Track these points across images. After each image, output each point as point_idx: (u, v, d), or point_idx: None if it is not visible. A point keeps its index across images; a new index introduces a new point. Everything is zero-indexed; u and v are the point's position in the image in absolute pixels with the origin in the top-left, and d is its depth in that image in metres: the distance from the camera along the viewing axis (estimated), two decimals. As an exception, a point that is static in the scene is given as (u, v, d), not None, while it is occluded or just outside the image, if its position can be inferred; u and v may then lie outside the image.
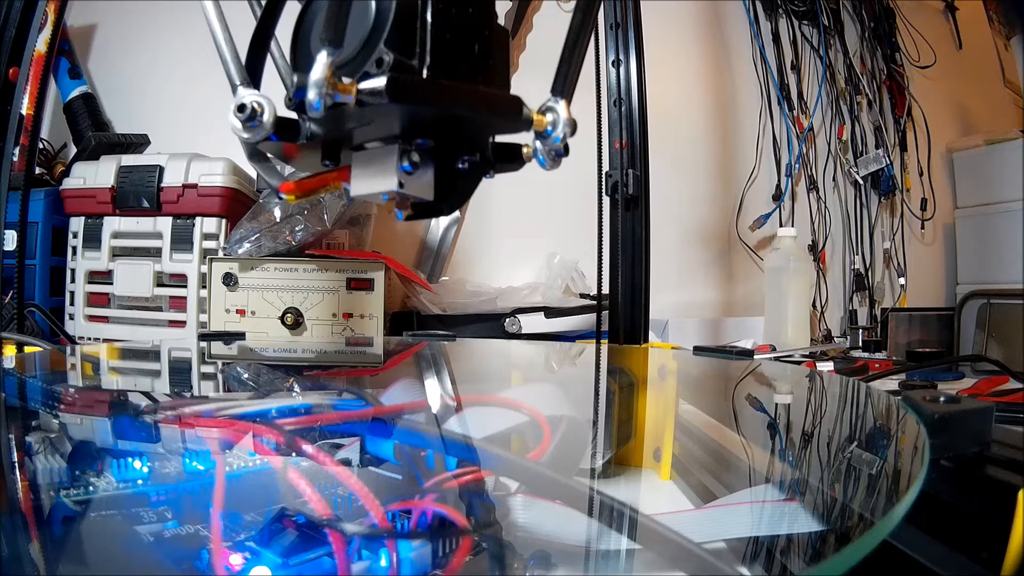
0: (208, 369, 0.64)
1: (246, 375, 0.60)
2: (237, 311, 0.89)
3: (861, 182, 1.57)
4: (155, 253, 0.95)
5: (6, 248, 0.71)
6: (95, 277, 0.97)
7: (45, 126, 1.14)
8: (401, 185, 0.29)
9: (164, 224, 0.94)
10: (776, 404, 0.48)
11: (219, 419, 0.38)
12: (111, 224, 0.96)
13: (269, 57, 0.32)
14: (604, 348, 0.80)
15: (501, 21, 0.31)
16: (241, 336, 0.75)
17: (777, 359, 0.98)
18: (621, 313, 0.80)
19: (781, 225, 1.43)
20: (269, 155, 0.33)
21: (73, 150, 1.13)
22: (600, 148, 0.81)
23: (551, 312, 1.06)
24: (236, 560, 0.21)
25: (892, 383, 0.72)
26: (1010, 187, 1.35)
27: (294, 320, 0.88)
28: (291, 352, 0.78)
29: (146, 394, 0.48)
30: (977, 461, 0.27)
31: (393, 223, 1.22)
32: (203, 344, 0.73)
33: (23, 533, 0.22)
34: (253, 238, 0.90)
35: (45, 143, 1.14)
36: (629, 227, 0.81)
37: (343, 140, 0.31)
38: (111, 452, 0.32)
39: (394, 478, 0.31)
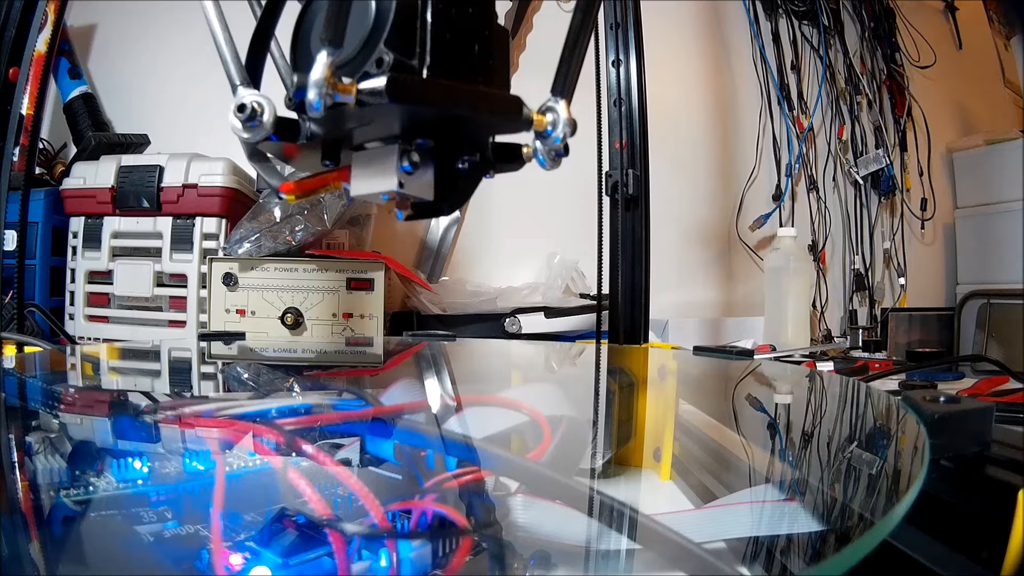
0: (208, 369, 0.64)
1: (246, 375, 0.60)
2: (237, 311, 0.89)
3: (861, 182, 1.57)
4: (155, 253, 0.95)
5: (6, 248, 0.71)
6: (95, 277, 0.97)
7: (45, 126, 1.14)
8: (401, 185, 0.29)
9: (164, 224, 0.94)
10: (776, 404, 0.48)
11: (219, 419, 0.38)
12: (111, 224, 0.96)
13: (269, 57, 0.32)
14: (604, 348, 0.80)
15: (501, 21, 0.31)
16: (241, 336, 0.75)
17: (777, 359, 0.98)
18: (621, 313, 0.80)
19: (781, 225, 1.43)
20: (269, 155, 0.33)
21: (73, 150, 1.13)
22: (600, 148, 0.81)
23: (551, 312, 1.06)
24: (236, 560, 0.21)
25: (892, 383, 0.72)
26: (1010, 187, 1.35)
27: (294, 320, 0.88)
28: (291, 352, 0.78)
29: (146, 394, 0.48)
30: (977, 461, 0.27)
31: (393, 223, 1.22)
32: (203, 344, 0.73)
33: (23, 533, 0.22)
34: (253, 238, 0.90)
35: (45, 143, 1.14)
36: (629, 227, 0.81)
37: (343, 140, 0.31)
38: (111, 452, 0.32)
39: (394, 478, 0.31)
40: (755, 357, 0.59)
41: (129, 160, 0.97)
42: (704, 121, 1.49)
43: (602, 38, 0.83)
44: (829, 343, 1.35)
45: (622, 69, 0.82)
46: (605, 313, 0.83)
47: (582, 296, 1.18)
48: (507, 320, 1.04)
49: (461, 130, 0.31)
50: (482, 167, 0.32)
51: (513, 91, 0.30)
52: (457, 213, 1.27)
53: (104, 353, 0.71)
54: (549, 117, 0.30)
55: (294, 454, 0.31)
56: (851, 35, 1.59)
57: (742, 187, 1.48)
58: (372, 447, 0.33)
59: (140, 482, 0.27)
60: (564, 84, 0.30)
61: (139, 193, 0.94)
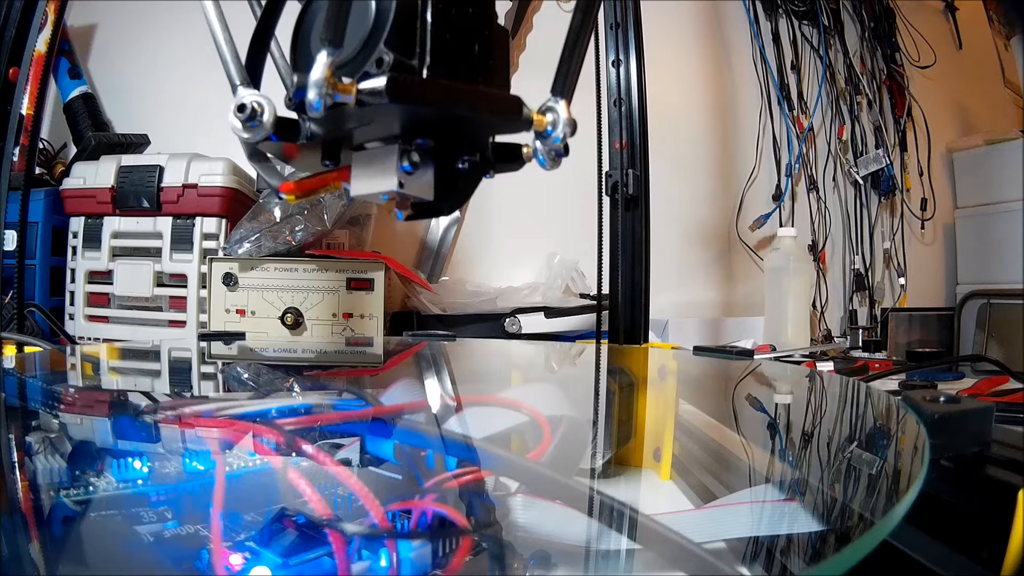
0: (208, 369, 0.64)
1: (246, 375, 0.60)
2: (237, 311, 0.89)
3: (861, 182, 1.57)
4: (155, 253, 0.95)
5: (6, 248, 0.71)
6: (95, 277, 0.97)
7: (45, 126, 1.14)
8: (401, 185, 0.29)
9: (164, 224, 0.94)
10: (776, 404, 0.48)
11: (219, 419, 0.38)
12: (111, 224, 0.96)
13: (269, 57, 0.32)
14: (604, 348, 0.80)
15: (501, 21, 0.31)
16: (241, 336, 0.75)
17: (777, 359, 0.98)
18: (621, 313, 0.80)
19: (781, 225, 1.43)
20: (269, 155, 0.33)
21: (73, 150, 1.13)
22: (600, 148, 0.81)
23: (551, 312, 1.06)
24: (236, 560, 0.21)
25: (892, 383, 0.72)
26: (1010, 187, 1.35)
27: (294, 320, 0.88)
28: (291, 352, 0.78)
29: (146, 394, 0.48)
30: (977, 461, 0.27)
31: (393, 223, 1.22)
32: (203, 344, 0.73)
33: (23, 533, 0.22)
34: (253, 238, 0.90)
35: (45, 143, 1.14)
36: (629, 227, 0.81)
37: (343, 140, 0.31)
38: (111, 452, 0.32)
39: (394, 478, 0.31)
40: (755, 357, 0.59)
41: (129, 160, 0.97)
42: (704, 121, 1.49)
43: (602, 38, 0.83)
44: (829, 343, 1.35)
45: (622, 69, 0.82)
46: (605, 313, 0.83)
47: (582, 296, 1.18)
48: (507, 320, 1.04)
49: (461, 130, 0.31)
50: (482, 167, 0.32)
51: (513, 91, 0.30)
52: (457, 213, 1.27)
53: (104, 353, 0.71)
54: (549, 117, 0.30)
55: (294, 454, 0.31)
56: (851, 35, 1.59)
57: (742, 187, 1.48)
58: (372, 447, 0.33)
59: (140, 482, 0.27)
60: (564, 84, 0.30)
61: (139, 193, 0.94)
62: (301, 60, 0.29)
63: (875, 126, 1.58)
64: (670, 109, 1.38)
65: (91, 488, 0.25)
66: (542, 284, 1.19)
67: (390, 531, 0.23)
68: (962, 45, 1.74)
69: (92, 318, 0.97)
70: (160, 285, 0.95)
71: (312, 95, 0.25)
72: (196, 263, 0.93)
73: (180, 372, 0.64)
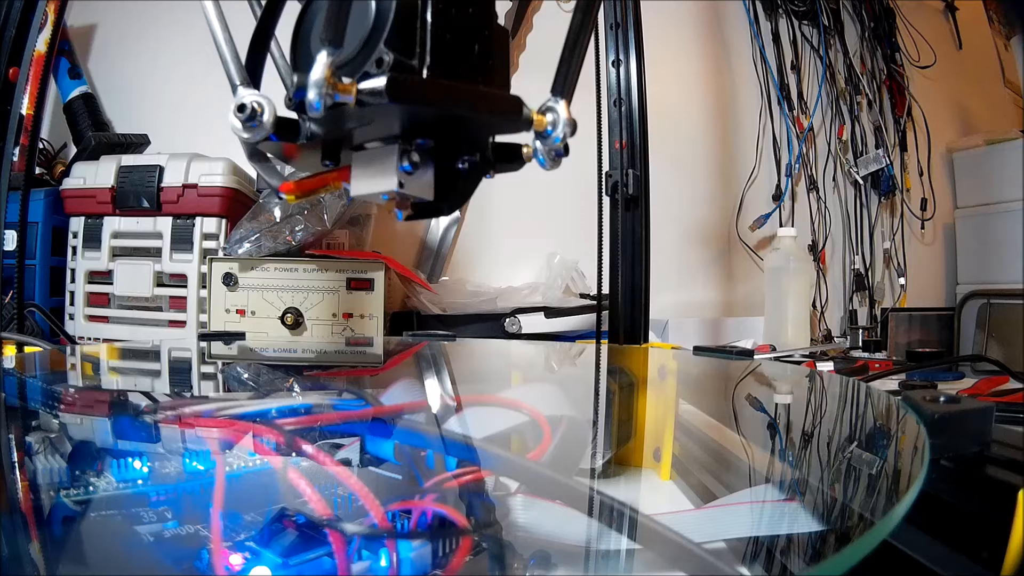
0: (208, 369, 0.64)
1: (246, 375, 0.60)
2: (237, 311, 0.89)
3: (861, 182, 1.57)
4: (155, 253, 0.95)
5: (6, 248, 0.71)
6: (95, 277, 0.97)
7: (45, 126, 1.14)
8: (401, 185, 0.29)
9: (164, 224, 0.94)
10: (776, 404, 0.48)
11: (219, 419, 0.38)
12: (111, 224, 0.96)
13: (269, 57, 0.32)
14: (604, 348, 0.80)
15: (501, 21, 0.31)
16: (241, 336, 0.75)
17: (777, 359, 0.98)
18: (621, 313, 0.80)
19: (781, 225, 1.43)
20: (269, 155, 0.33)
21: (73, 150, 1.13)
22: (600, 148, 0.81)
23: (551, 312, 1.06)
24: (236, 560, 0.21)
25: (892, 383, 0.72)
26: (1010, 187, 1.35)
27: (294, 320, 0.88)
28: (291, 352, 0.78)
29: (146, 394, 0.48)
30: (977, 461, 0.27)
31: (393, 223, 1.22)
32: (203, 344, 0.73)
33: (23, 533, 0.22)
34: (253, 238, 0.90)
35: (45, 143, 1.14)
36: (629, 227, 0.81)
37: (343, 140, 0.31)
38: (111, 452, 0.32)
39: (394, 478, 0.31)
40: (755, 357, 0.59)
41: (129, 160, 0.97)
42: (704, 121, 1.49)
43: (602, 38, 0.83)
44: (829, 343, 1.35)
45: (622, 69, 0.82)
46: (605, 313, 0.83)
47: (582, 296, 1.18)
48: (507, 320, 1.04)
49: (461, 130, 0.31)
50: (482, 167, 0.32)
51: (513, 91, 0.30)
52: (457, 213, 1.27)
53: (104, 353, 0.71)
54: (549, 117, 0.30)
55: (294, 454, 0.31)
56: (851, 35, 1.59)
57: (742, 187, 1.48)
58: (372, 447, 0.33)
59: (140, 482, 0.27)
60: (564, 84, 0.30)
61: (139, 193, 0.94)
62: (301, 60, 0.29)
63: (875, 126, 1.58)
64: (670, 109, 1.38)
65: (91, 488, 0.25)
66: (542, 284, 1.19)
67: (390, 531, 0.23)
68: (962, 45, 1.74)
69: (92, 318, 0.97)
70: (160, 285, 0.95)
71: (312, 95, 0.25)
72: (196, 263, 0.93)
73: (180, 372, 0.64)
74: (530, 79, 0.39)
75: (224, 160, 0.95)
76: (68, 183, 0.97)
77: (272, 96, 0.28)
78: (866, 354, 1.17)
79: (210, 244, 0.94)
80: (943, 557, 0.23)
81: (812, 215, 1.53)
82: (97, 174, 0.96)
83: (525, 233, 1.31)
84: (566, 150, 0.30)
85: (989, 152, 1.44)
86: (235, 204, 0.95)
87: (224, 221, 0.95)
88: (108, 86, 1.21)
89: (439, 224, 1.28)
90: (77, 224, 0.97)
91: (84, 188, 0.96)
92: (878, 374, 0.79)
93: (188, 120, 1.14)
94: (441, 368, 0.64)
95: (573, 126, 0.30)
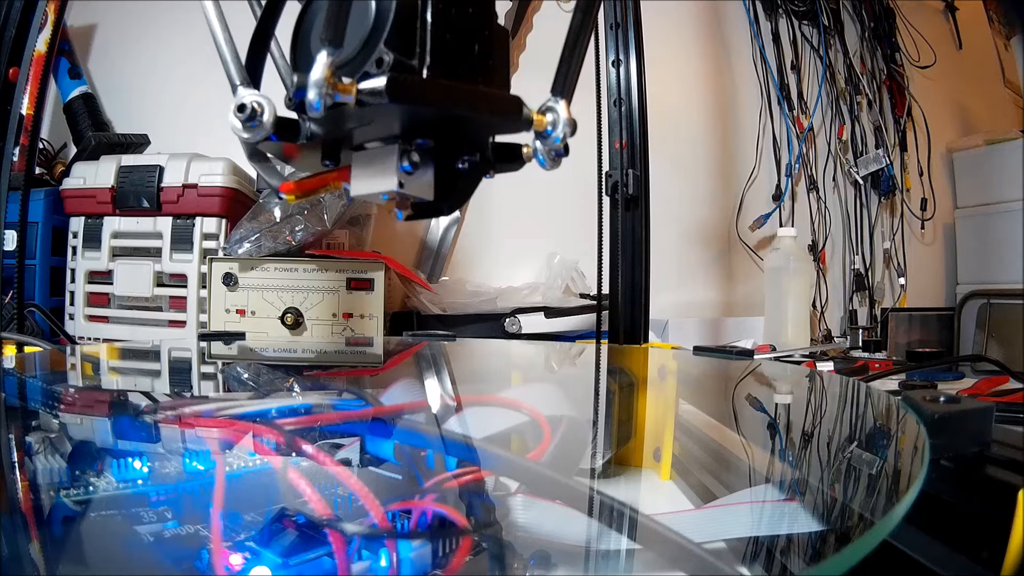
0: (208, 369, 0.64)
1: (246, 375, 0.60)
2: (237, 311, 0.89)
3: (861, 182, 1.57)
4: (155, 253, 0.95)
5: (6, 248, 0.71)
6: (95, 277, 0.97)
7: (45, 126, 1.14)
8: (401, 185, 0.29)
9: (164, 224, 0.94)
10: (776, 404, 0.48)
11: (219, 419, 0.38)
12: (111, 224, 0.96)
13: (269, 57, 0.32)
14: (604, 348, 0.80)
15: (501, 21, 0.31)
16: (241, 336, 0.75)
17: (777, 359, 0.98)
18: (621, 313, 0.80)
19: (781, 225, 1.43)
20: (269, 155, 0.33)
21: (73, 150, 1.13)
22: (600, 148, 0.81)
23: (551, 312, 1.06)
24: (236, 560, 0.21)
25: (892, 383, 0.72)
26: (1010, 187, 1.35)
27: (294, 320, 0.88)
28: (291, 352, 0.78)
29: (146, 394, 0.48)
30: (977, 461, 0.27)
31: (393, 223, 1.22)
32: (203, 344, 0.73)
33: (23, 533, 0.22)
34: (253, 238, 0.90)
35: (45, 143, 1.14)
36: (629, 227, 0.81)
37: (343, 140, 0.31)
38: (111, 452, 0.32)
39: (394, 478, 0.31)
40: (755, 357, 0.59)
41: (129, 160, 0.97)
42: (704, 121, 1.49)
43: (602, 38, 0.83)
44: (829, 343, 1.35)
45: (622, 69, 0.82)
46: (605, 313, 0.83)
47: (582, 296, 1.18)
48: (507, 320, 1.04)
49: (461, 130, 0.31)
50: (482, 167, 0.32)
51: (513, 91, 0.30)
52: (457, 213, 1.27)
53: (104, 353, 0.71)
54: (549, 117, 0.30)
55: (294, 454, 0.31)
56: (851, 35, 1.59)
57: (742, 187, 1.48)
58: (372, 447, 0.33)
59: (140, 482, 0.27)
60: (564, 84, 0.30)
61: (139, 193, 0.94)
62: (301, 60, 0.29)
63: (875, 126, 1.58)
64: (670, 109, 1.38)
65: (91, 488, 0.25)
66: (542, 284, 1.19)
67: (390, 531, 0.23)
68: (962, 45, 1.74)
69: (92, 318, 0.97)
70: (160, 285, 0.95)
71: (312, 95, 0.25)
72: (196, 263, 0.93)
73: (180, 372, 0.64)
74: (530, 79, 0.39)
75: (224, 160, 0.95)
76: (68, 183, 0.97)
77: (272, 96, 0.28)
78: (866, 354, 1.17)
79: (210, 244, 0.94)
80: (943, 557, 0.23)
81: (812, 215, 1.53)
82: (97, 174, 0.96)
83: (525, 233, 1.31)
84: (566, 150, 0.30)
85: (989, 152, 1.44)
86: (235, 204, 0.95)
87: (224, 221, 0.95)
88: (108, 86, 1.21)
89: (439, 224, 1.28)
90: (77, 224, 0.97)
91: (84, 188, 0.96)
92: (878, 374, 0.79)
93: (188, 120, 1.14)
94: (441, 368, 0.64)
95: (573, 126, 0.30)
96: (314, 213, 0.91)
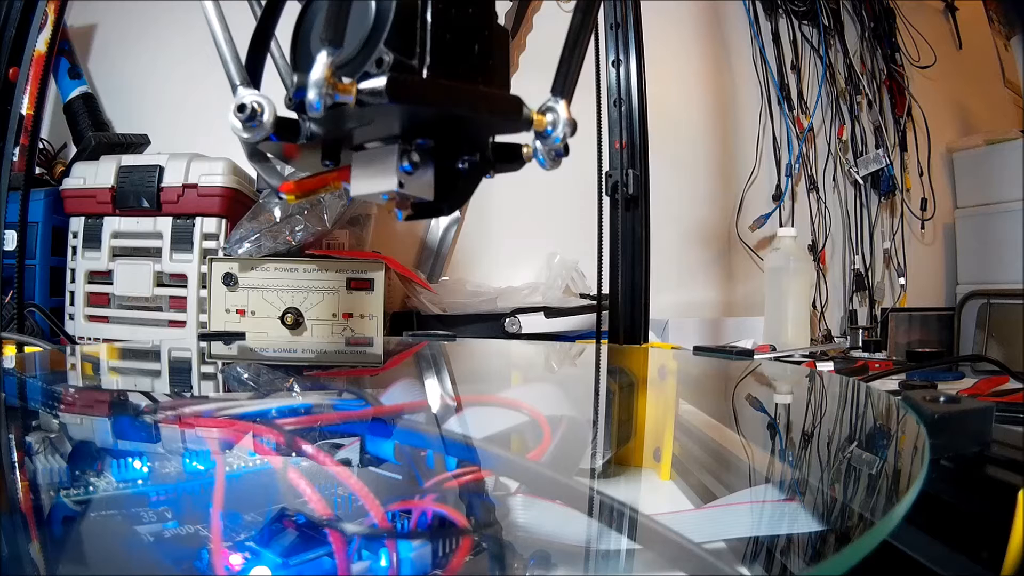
0: (208, 369, 0.64)
1: (246, 375, 0.60)
2: (237, 311, 0.89)
3: (861, 182, 1.57)
4: (155, 253, 0.95)
5: (6, 248, 0.71)
6: (95, 277, 0.97)
7: (45, 126, 1.14)
8: (401, 185, 0.29)
9: (164, 224, 0.94)
10: (776, 404, 0.48)
11: (219, 419, 0.38)
12: (111, 224, 0.96)
13: (269, 57, 0.32)
14: (604, 348, 0.80)
15: (501, 21, 0.31)
16: (241, 336, 0.75)
17: (777, 359, 0.98)
18: (621, 313, 0.80)
19: (781, 225, 1.43)
20: (269, 155, 0.33)
21: (73, 150, 1.13)
22: (600, 148, 0.81)
23: (551, 312, 1.06)
24: (236, 560, 0.21)
25: (892, 383, 0.72)
26: (1010, 187, 1.35)
27: (294, 320, 0.88)
28: (291, 352, 0.78)
29: (146, 394, 0.48)
30: (977, 461, 0.27)
31: (393, 223, 1.22)
32: (203, 344, 0.73)
33: (23, 533, 0.22)
34: (253, 238, 0.90)
35: (45, 143, 1.14)
36: (629, 227, 0.81)
37: (343, 140, 0.31)
38: (111, 452, 0.32)
39: (394, 478, 0.31)
40: (755, 357, 0.59)
41: (129, 160, 0.97)
42: (704, 121, 1.49)
43: (602, 38, 0.83)
44: (829, 343, 1.35)
45: (622, 69, 0.82)
46: (605, 313, 0.83)
47: (582, 296, 1.18)
48: (507, 320, 1.04)
49: (461, 130, 0.31)
50: (482, 167, 0.32)
51: (513, 91, 0.30)
52: (457, 213, 1.27)
53: (104, 353, 0.71)
54: (549, 117, 0.30)
55: (294, 454, 0.31)
56: (851, 35, 1.59)
57: (742, 187, 1.48)
58: (372, 447, 0.33)
59: (140, 482, 0.27)
60: (564, 84, 0.30)
61: (139, 193, 0.94)
62: (301, 60, 0.29)
63: (875, 126, 1.58)
64: (670, 109, 1.38)
65: (91, 488, 0.25)
66: (542, 284, 1.19)
67: (390, 531, 0.23)
68: (962, 45, 1.74)
69: (92, 318, 0.97)
70: (160, 285, 0.95)
71: (312, 95, 0.25)
72: (196, 263, 0.93)
73: (180, 372, 0.64)
74: (530, 79, 0.39)
75: (224, 160, 0.95)
76: (68, 183, 0.97)
77: (272, 96, 0.28)
78: (866, 354, 1.17)
79: (210, 244, 0.94)
80: (943, 557, 0.23)
81: (812, 215, 1.53)
82: (97, 174, 0.96)
83: (525, 233, 1.31)
84: (566, 150, 0.30)
85: (989, 152, 1.44)
86: (235, 204, 0.95)
87: (224, 221, 0.95)
88: (108, 86, 1.21)
89: (439, 224, 1.28)
90: (77, 224, 0.97)
91: (84, 188, 0.96)
92: (878, 374, 0.79)
93: (188, 120, 1.14)
94: (441, 368, 0.64)
95: (573, 126, 0.30)
96: (314, 213, 0.91)
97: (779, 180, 1.50)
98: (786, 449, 0.35)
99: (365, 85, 0.25)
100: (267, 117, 0.27)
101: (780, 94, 1.50)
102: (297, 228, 0.90)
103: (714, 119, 1.49)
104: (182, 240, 0.94)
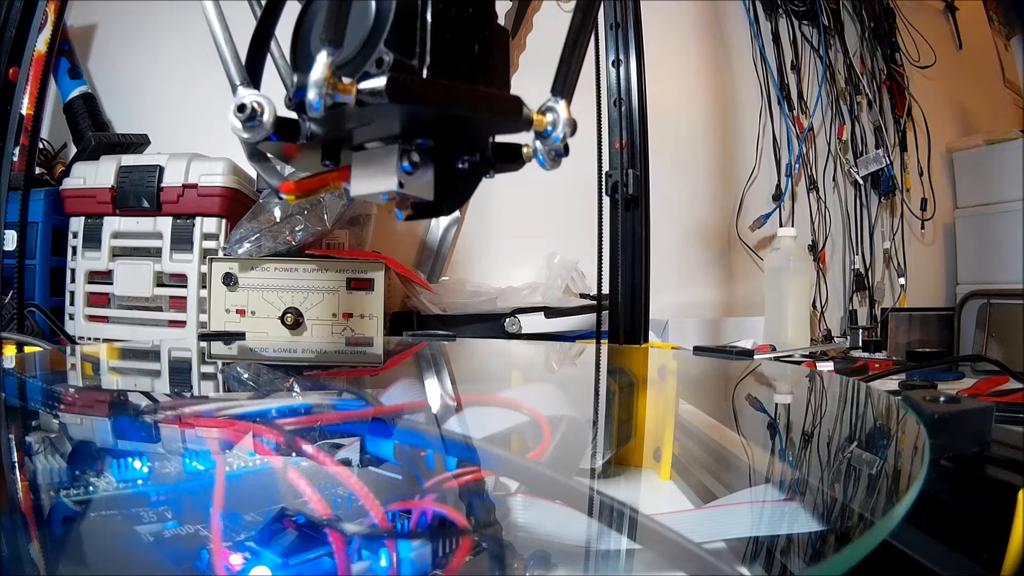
0: (208, 369, 0.64)
1: (246, 375, 0.60)
2: (237, 311, 0.89)
3: (861, 182, 1.57)
4: (155, 253, 0.95)
5: (6, 248, 0.71)
6: (95, 277, 0.97)
7: (45, 126, 1.14)
8: (401, 185, 0.29)
9: (164, 224, 0.94)
10: (776, 404, 0.48)
11: (219, 419, 0.38)
12: (111, 224, 0.96)
13: (269, 57, 0.32)
14: (604, 348, 0.80)
15: (501, 21, 0.31)
16: (241, 336, 0.75)
17: (777, 359, 0.98)
18: (621, 313, 0.80)
19: (781, 225, 1.43)
20: (269, 155, 0.33)
21: (73, 150, 1.13)
22: (600, 148, 0.81)
23: (551, 312, 1.06)
24: (236, 560, 0.21)
25: (892, 383, 0.72)
26: (1010, 187, 1.35)
27: (294, 320, 0.88)
28: (291, 352, 0.78)
29: (146, 394, 0.48)
30: (977, 461, 0.27)
31: (393, 223, 1.22)
32: (203, 344, 0.73)
33: (23, 533, 0.22)
34: (253, 238, 0.90)
35: (45, 143, 1.14)
36: (629, 227, 0.81)
37: (343, 140, 0.31)
38: (111, 452, 0.32)
39: (394, 478, 0.31)
40: (755, 357, 0.59)
41: (129, 160, 0.97)
42: (704, 121, 1.49)
43: (602, 38, 0.83)
44: (829, 343, 1.35)
45: (622, 69, 0.82)
46: (605, 313, 0.83)
47: (582, 296, 1.18)
48: (507, 320, 1.04)
49: (461, 130, 0.31)
50: (482, 167, 0.32)
51: (513, 91, 0.30)
52: (457, 213, 1.27)
53: (104, 353, 0.71)
54: (549, 117, 0.30)
55: (294, 454, 0.31)
56: (851, 35, 1.59)
57: (742, 187, 1.48)
58: (372, 447, 0.33)
59: (140, 482, 0.27)
60: (564, 84, 0.30)
61: (139, 193, 0.94)
62: (301, 60, 0.29)
63: (875, 126, 1.58)
64: (670, 109, 1.38)
65: (91, 488, 0.25)
66: (542, 284, 1.19)
67: (390, 531, 0.23)
68: (962, 45, 1.74)
69: (92, 318, 0.97)
70: (160, 285, 0.95)
71: (312, 95, 0.25)
72: (196, 263, 0.93)
73: (180, 372, 0.64)
74: (530, 79, 0.39)
75: (224, 160, 0.95)
76: (68, 183, 0.97)
77: (272, 96, 0.28)
78: (866, 354, 1.17)
79: (210, 244, 0.94)
80: (943, 557, 0.23)
81: (812, 215, 1.53)
82: (97, 174, 0.96)
83: (525, 233, 1.31)
84: (566, 150, 0.30)
85: (989, 152, 1.44)
86: (235, 204, 0.95)
87: (224, 221, 0.95)
88: (108, 86, 1.21)
89: (439, 224, 1.28)
90: (77, 224, 0.97)
91: (84, 188, 0.96)
92: (878, 374, 0.79)
93: (188, 120, 1.14)
94: (441, 368, 0.64)
95: (573, 126, 0.30)
96: (314, 213, 0.91)
97: (779, 180, 1.50)
98: (786, 449, 0.35)
99: (365, 85, 0.25)
100: (267, 117, 0.27)
101: (780, 94, 1.50)
102: (297, 228, 0.90)
103: (714, 119, 1.49)
104: (182, 240, 0.94)
